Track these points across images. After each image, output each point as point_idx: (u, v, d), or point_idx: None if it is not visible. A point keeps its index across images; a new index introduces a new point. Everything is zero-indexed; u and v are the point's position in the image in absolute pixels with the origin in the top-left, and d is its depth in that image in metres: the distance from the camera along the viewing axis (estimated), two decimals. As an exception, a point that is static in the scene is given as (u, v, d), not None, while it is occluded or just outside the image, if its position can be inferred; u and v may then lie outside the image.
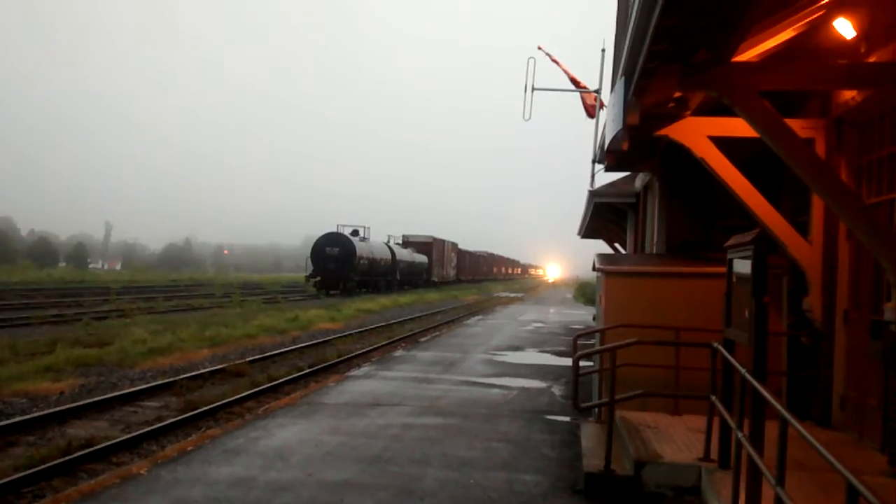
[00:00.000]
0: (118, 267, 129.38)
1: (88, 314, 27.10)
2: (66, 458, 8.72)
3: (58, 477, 8.24)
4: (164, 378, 14.69)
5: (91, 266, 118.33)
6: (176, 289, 53.58)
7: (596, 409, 9.60)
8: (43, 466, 8.33)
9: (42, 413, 11.03)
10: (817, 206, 8.38)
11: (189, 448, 8.37)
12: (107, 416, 11.53)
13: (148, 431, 10.30)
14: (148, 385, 13.84)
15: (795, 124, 7.36)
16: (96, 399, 12.26)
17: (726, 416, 6.04)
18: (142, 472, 7.34)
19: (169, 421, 10.97)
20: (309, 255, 53.86)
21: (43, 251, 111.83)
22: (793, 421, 4.05)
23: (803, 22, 7.27)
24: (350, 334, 24.81)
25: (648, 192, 13.63)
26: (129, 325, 22.99)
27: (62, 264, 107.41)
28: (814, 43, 7.94)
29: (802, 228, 8.49)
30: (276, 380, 14.84)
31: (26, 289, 44.36)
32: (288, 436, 9.05)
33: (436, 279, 74.45)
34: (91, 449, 9.17)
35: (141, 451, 9.53)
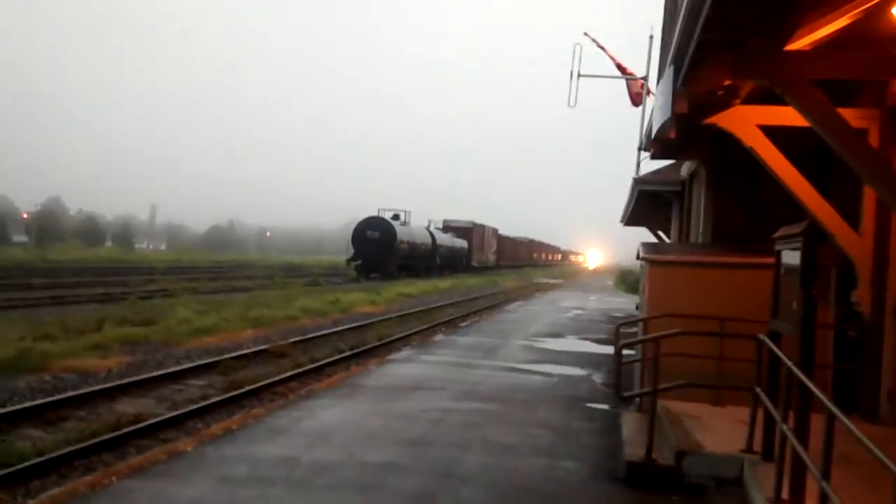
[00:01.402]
0: (163, 247, 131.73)
1: (134, 293, 27.62)
2: (116, 433, 8.97)
3: (108, 451, 8.48)
4: (208, 357, 14.95)
5: (137, 246, 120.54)
6: (219, 270, 54.34)
7: (637, 399, 9.58)
8: (94, 441, 8.58)
9: (92, 389, 11.32)
10: (869, 197, 8.23)
11: (233, 427, 8.53)
12: (154, 394, 11.79)
13: (194, 409, 10.52)
14: (193, 364, 14.10)
15: (848, 114, 7.23)
16: (143, 377, 12.54)
17: (771, 408, 6.00)
18: (188, 449, 7.51)
19: (214, 400, 11.19)
20: (350, 238, 54.25)
21: (90, 231, 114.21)
22: (840, 415, 4.02)
23: (859, 10, 7.10)
24: (390, 318, 24.97)
25: (694, 181, 13.48)
26: (174, 305, 23.39)
27: (109, 244, 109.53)
28: (869, 31, 7.75)
29: (853, 220, 8.35)
30: (318, 361, 15.03)
31: (75, 267, 45.35)
32: (330, 417, 9.18)
33: (476, 264, 74.49)
34: (139, 425, 9.41)
35: (187, 429, 9.73)
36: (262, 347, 16.33)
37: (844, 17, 7.25)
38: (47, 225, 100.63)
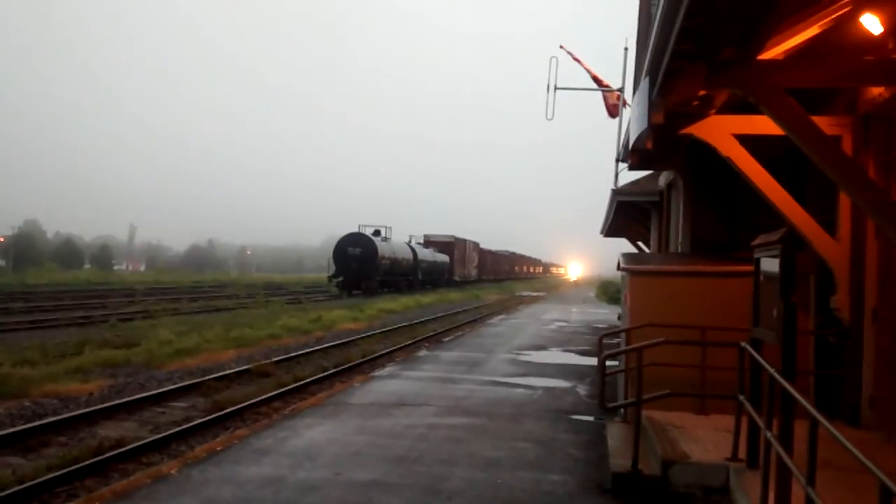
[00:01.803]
0: (142, 268, 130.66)
1: (115, 315, 27.38)
2: (98, 458, 8.85)
3: (90, 477, 8.37)
4: (191, 379, 14.84)
5: (116, 267, 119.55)
6: (200, 290, 53.99)
7: (622, 409, 9.59)
8: (76, 466, 8.46)
9: (73, 414, 11.19)
10: (844, 203, 8.32)
11: (218, 448, 8.46)
12: (136, 417, 11.67)
13: (177, 432, 10.42)
14: (175, 386, 13.98)
15: (822, 121, 7.31)
16: (125, 400, 12.41)
17: (754, 415, 6.03)
18: (172, 472, 7.44)
19: (197, 421, 11.09)
20: (331, 255, 54.10)
21: (68, 253, 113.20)
22: (823, 421, 4.04)
23: (829, 18, 7.21)
24: (373, 334, 24.90)
25: (672, 191, 13.58)
26: (155, 327, 23.20)
27: (87, 266, 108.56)
28: (840, 39, 7.87)
29: (829, 226, 8.44)
30: (301, 380, 14.94)
31: (53, 290, 44.91)
32: (315, 436, 9.12)
33: (457, 278, 74.48)
34: (122, 449, 9.29)
35: (171, 452, 9.65)
36: (245, 367, 16.23)
37: (815, 27, 7.35)
38: (24, 248, 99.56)
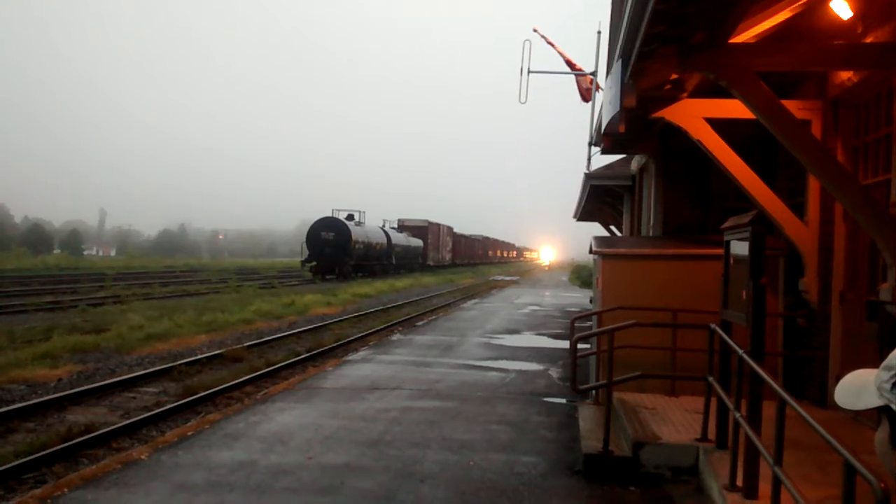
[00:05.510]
0: (113, 253, 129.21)
1: (84, 300, 27.05)
2: (67, 443, 8.74)
3: (59, 462, 8.27)
4: (162, 364, 14.70)
5: (86, 252, 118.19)
6: (171, 275, 53.50)
7: (593, 391, 9.66)
8: (44, 452, 8.34)
9: (41, 399, 11.03)
10: (813, 187, 8.40)
11: (189, 433, 8.40)
12: (106, 402, 11.54)
13: (147, 417, 10.31)
14: (146, 371, 13.85)
15: (792, 105, 7.37)
16: (95, 385, 12.27)
17: (724, 396, 6.09)
18: (143, 457, 7.37)
19: (168, 406, 10.99)
20: (304, 239, 53.82)
21: (37, 238, 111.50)
22: (791, 401, 4.09)
23: (800, 2, 7.26)
24: (347, 319, 24.82)
25: (645, 175, 13.64)
26: (125, 312, 22.95)
27: (56, 251, 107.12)
28: (810, 24, 7.93)
29: (798, 210, 8.52)
30: (274, 365, 14.85)
31: (21, 276, 44.25)
32: (287, 420, 9.09)
33: (431, 263, 74.47)
34: (91, 435, 9.18)
35: (141, 437, 9.55)
36: (217, 352, 16.10)
37: (786, 11, 7.40)
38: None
